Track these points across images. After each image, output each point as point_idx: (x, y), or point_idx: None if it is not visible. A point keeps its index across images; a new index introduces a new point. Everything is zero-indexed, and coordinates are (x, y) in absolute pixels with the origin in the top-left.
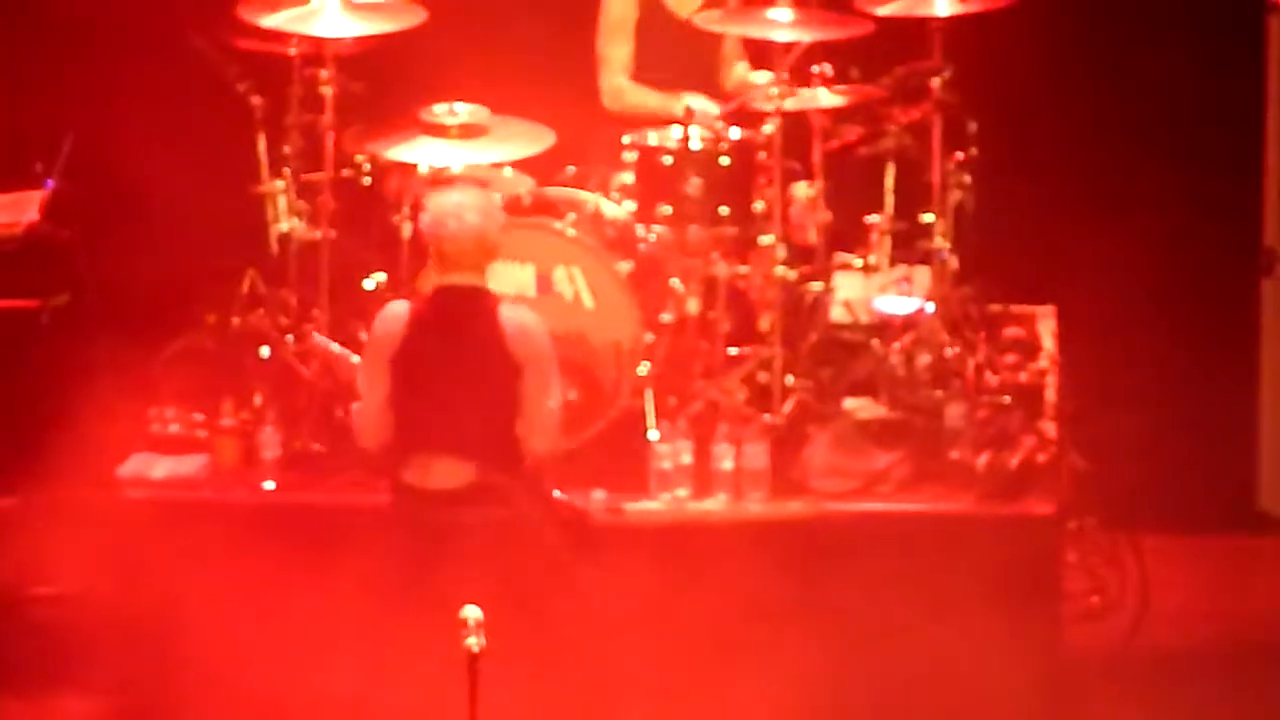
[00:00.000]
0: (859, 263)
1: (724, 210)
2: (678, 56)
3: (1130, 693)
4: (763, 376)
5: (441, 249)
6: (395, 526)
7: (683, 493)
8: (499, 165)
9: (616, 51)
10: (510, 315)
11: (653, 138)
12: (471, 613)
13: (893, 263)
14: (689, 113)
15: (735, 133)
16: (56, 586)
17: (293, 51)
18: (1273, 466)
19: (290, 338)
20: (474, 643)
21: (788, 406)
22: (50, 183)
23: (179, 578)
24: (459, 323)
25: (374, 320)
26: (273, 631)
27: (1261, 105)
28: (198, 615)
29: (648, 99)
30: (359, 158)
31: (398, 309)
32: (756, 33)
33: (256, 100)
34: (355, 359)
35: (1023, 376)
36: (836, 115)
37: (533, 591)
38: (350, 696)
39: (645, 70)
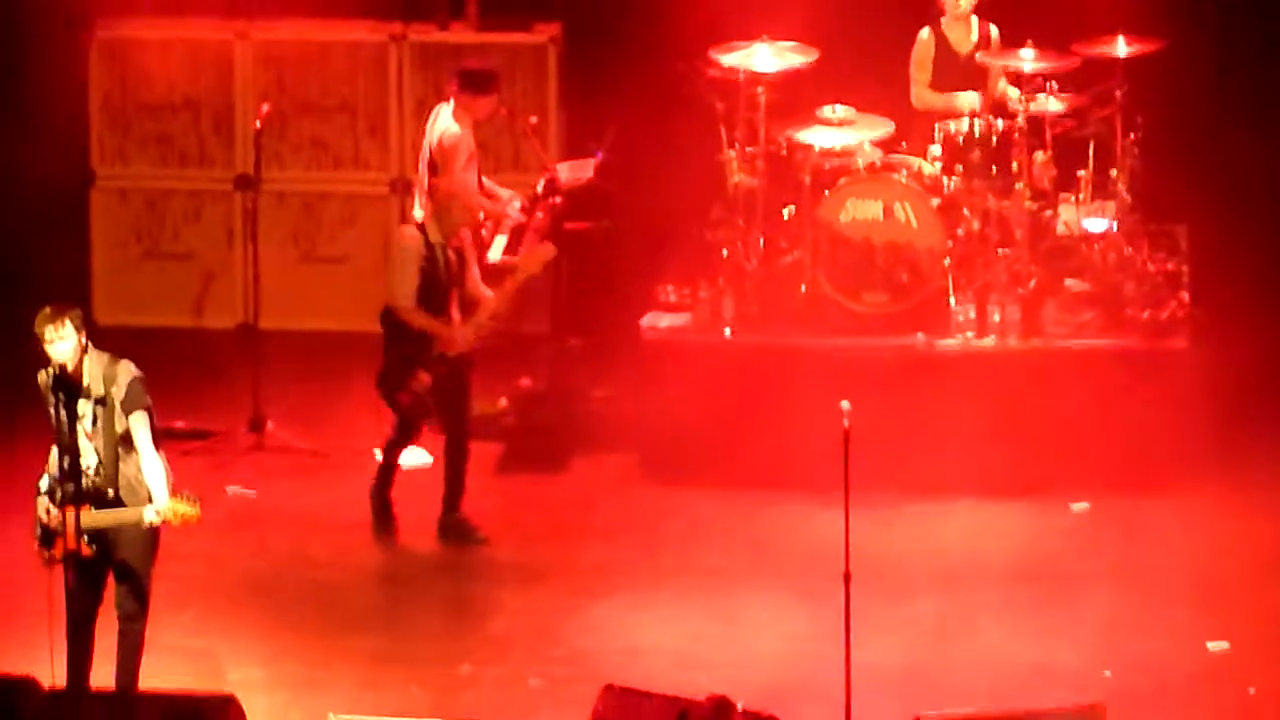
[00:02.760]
0: (1073, 199)
1: (994, 169)
2: (959, 75)
3: (1233, 452)
4: (1016, 267)
5: None
6: None
7: (970, 334)
8: (861, 143)
9: (921, 75)
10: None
11: (952, 126)
12: (845, 405)
13: (1093, 199)
14: (973, 111)
15: (1000, 123)
16: (605, 391)
17: (741, 76)
18: None
19: (740, 245)
20: (846, 424)
21: (1032, 283)
22: (600, 154)
23: (674, 385)
24: None
25: None
26: (724, 412)
27: None
28: (681, 406)
29: (937, 100)
30: (779, 138)
31: None
32: (1011, 64)
33: (719, 105)
34: None
35: (1169, 266)
36: (1060, 113)
37: None
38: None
39: (938, 84)
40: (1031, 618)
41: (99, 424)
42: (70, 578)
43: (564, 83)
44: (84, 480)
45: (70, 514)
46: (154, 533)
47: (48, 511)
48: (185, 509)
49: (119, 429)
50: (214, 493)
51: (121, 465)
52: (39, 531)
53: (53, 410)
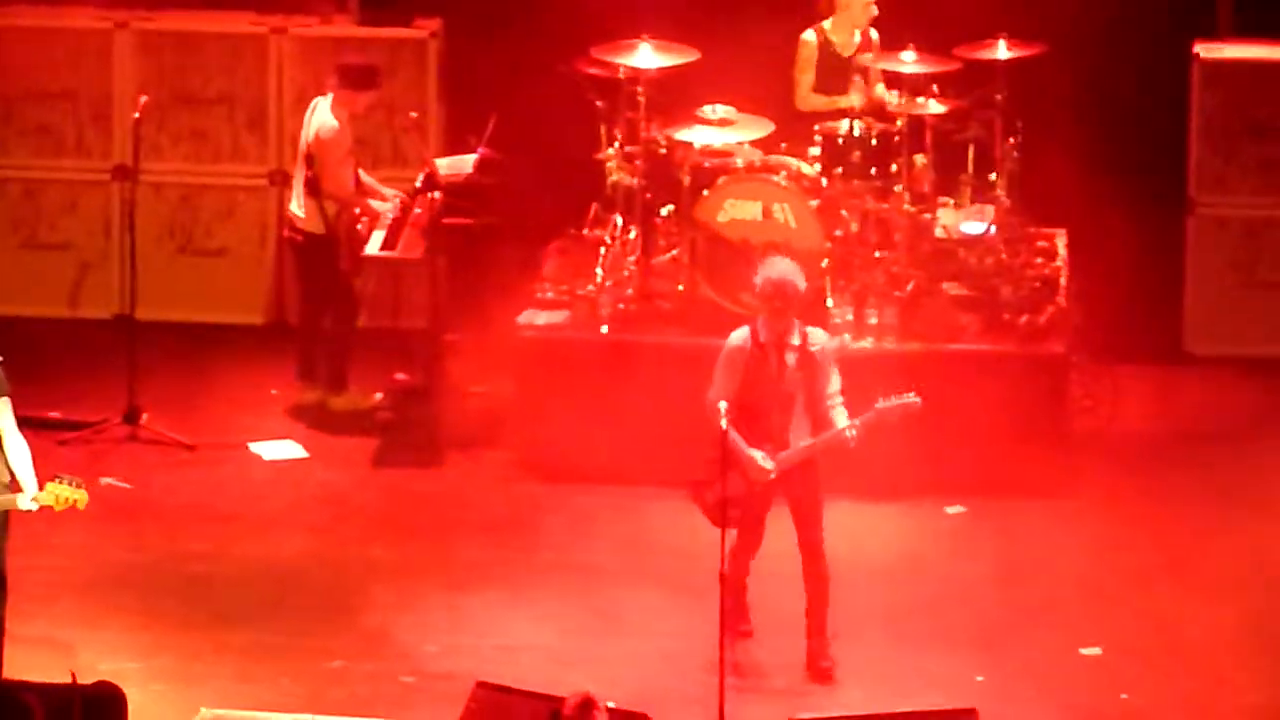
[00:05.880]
0: (952, 202)
1: (873, 171)
2: (841, 78)
3: (1108, 458)
4: (894, 269)
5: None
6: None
7: (847, 337)
8: (741, 143)
9: (805, 77)
10: None
11: (831, 127)
12: (722, 405)
13: (972, 202)
14: (852, 109)
15: (880, 126)
16: (483, 387)
17: (621, 74)
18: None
19: (618, 243)
20: (724, 423)
21: (910, 286)
22: (480, 150)
23: (548, 383)
24: None
25: None
26: (602, 410)
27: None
28: (558, 403)
29: (821, 102)
30: (659, 137)
31: None
32: (892, 66)
33: (600, 103)
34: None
35: (1047, 270)
36: (941, 116)
37: None
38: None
39: (821, 86)
40: (906, 620)
41: None
42: None
43: (444, 78)
44: None
45: None
46: (5, 520)
47: None
48: (69, 493)
49: None
50: (88, 484)
51: None
52: None
53: None
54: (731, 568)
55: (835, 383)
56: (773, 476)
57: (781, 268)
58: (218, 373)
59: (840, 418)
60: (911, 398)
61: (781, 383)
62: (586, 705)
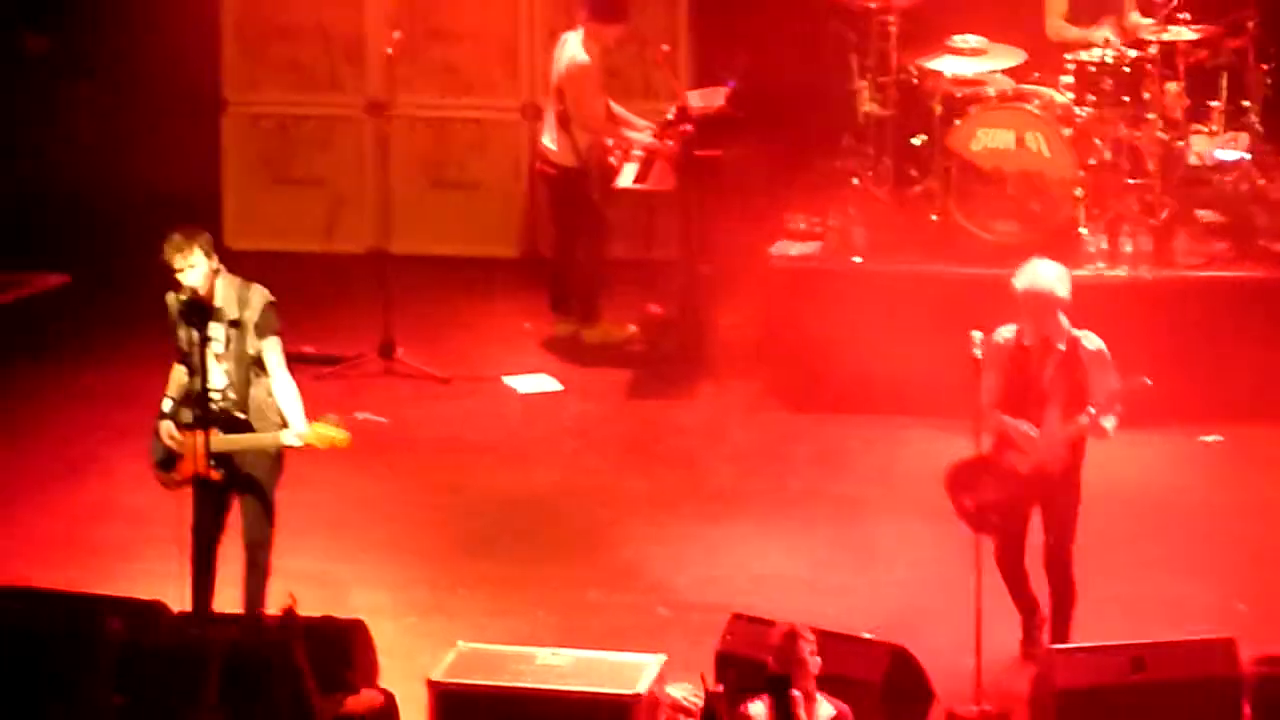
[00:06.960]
0: (1205, 129)
1: (1126, 99)
2: (1094, 4)
3: None
4: (1148, 197)
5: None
6: None
7: (1101, 265)
8: (993, 72)
9: (1056, 5)
10: None
11: (1084, 55)
12: (976, 335)
13: (1225, 129)
14: (1106, 41)
15: (1132, 53)
16: (735, 319)
17: (872, 4)
18: None
19: (871, 174)
20: (977, 353)
21: (1164, 214)
22: (732, 83)
23: (801, 313)
24: None
25: None
26: (854, 340)
27: None
28: (811, 333)
29: (1072, 32)
30: (910, 67)
31: None
32: None
33: (851, 34)
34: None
35: None
36: (1193, 43)
37: None
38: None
39: (1073, 14)
40: (1163, 549)
41: (231, 347)
42: (196, 502)
43: (695, 11)
44: (213, 403)
45: (199, 437)
46: (278, 458)
47: (170, 435)
48: (333, 433)
49: (251, 352)
50: (344, 418)
51: (251, 389)
52: (159, 455)
53: (182, 334)
54: (1003, 569)
55: (1107, 387)
56: (1035, 434)
57: (1037, 275)
58: (471, 306)
59: (1106, 421)
60: (1143, 380)
61: (1039, 385)
62: (792, 636)
